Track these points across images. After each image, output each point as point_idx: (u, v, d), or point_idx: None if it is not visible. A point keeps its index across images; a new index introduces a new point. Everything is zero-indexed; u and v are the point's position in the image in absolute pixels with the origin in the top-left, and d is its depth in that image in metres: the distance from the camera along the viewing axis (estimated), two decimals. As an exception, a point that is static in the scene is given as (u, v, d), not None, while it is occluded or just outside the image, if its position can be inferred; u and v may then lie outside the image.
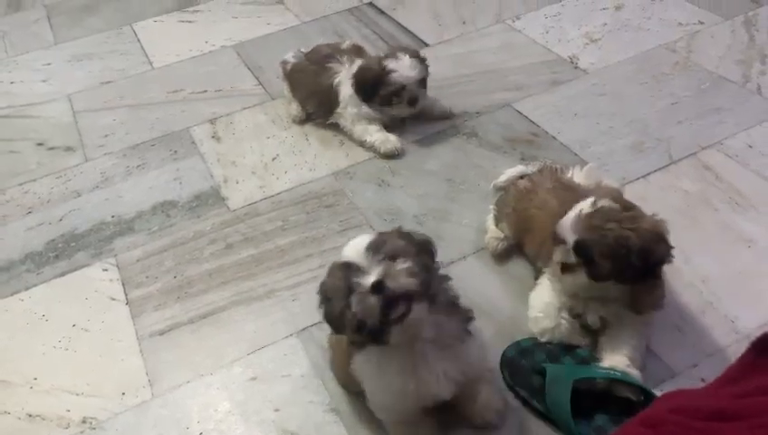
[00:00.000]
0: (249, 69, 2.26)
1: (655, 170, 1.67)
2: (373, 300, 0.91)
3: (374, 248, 0.94)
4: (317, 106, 1.93)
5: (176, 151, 1.94)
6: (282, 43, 2.37)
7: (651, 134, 1.79)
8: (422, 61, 1.81)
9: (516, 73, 2.08)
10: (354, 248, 0.96)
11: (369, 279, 0.91)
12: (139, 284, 1.54)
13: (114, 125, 2.07)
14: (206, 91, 2.18)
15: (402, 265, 0.93)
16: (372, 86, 1.79)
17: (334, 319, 0.98)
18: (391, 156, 1.82)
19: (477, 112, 1.94)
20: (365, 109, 1.84)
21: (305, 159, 1.86)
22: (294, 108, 1.98)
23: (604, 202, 1.14)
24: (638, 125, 1.82)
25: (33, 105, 2.21)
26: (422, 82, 1.81)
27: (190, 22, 2.61)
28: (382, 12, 2.51)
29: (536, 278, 1.35)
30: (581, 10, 2.36)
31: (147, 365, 1.37)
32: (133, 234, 1.68)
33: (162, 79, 2.27)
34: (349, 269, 0.94)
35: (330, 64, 1.88)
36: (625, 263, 1.10)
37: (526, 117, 1.90)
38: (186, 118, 2.07)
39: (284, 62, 2.01)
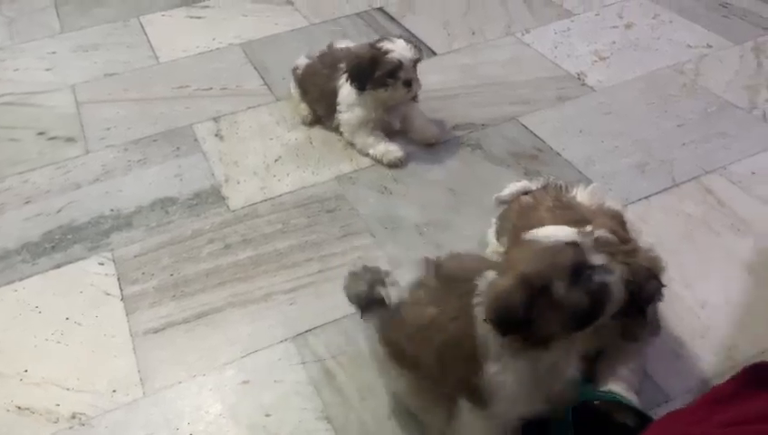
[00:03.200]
0: (256, 68, 2.26)
1: (658, 192, 1.67)
2: (615, 272, 0.91)
3: (598, 242, 0.93)
4: (326, 109, 1.91)
5: (178, 148, 1.93)
6: (289, 43, 2.37)
7: (655, 155, 1.79)
8: (415, 45, 1.78)
9: (523, 87, 2.08)
10: (569, 231, 0.93)
11: (615, 270, 0.91)
12: (134, 280, 1.53)
13: (117, 118, 2.06)
14: (211, 88, 2.17)
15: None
16: (367, 69, 1.75)
17: (533, 312, 0.90)
18: (395, 166, 1.81)
19: (483, 124, 1.93)
20: (360, 111, 1.81)
21: (308, 162, 1.85)
22: (303, 109, 1.97)
23: (600, 233, 1.11)
24: (642, 145, 1.82)
25: (36, 94, 2.20)
26: (416, 66, 1.78)
27: (199, 18, 2.60)
28: (392, 18, 2.50)
29: None
30: (591, 27, 2.36)
31: (139, 363, 1.35)
32: (131, 229, 1.67)
33: (168, 74, 2.26)
34: (578, 250, 0.90)
35: (341, 65, 1.85)
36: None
37: (532, 132, 1.89)
38: (190, 114, 2.06)
39: (296, 68, 1.99)
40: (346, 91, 1.83)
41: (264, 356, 1.35)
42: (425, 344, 1.04)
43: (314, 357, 1.34)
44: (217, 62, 2.31)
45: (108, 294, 1.50)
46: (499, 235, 1.48)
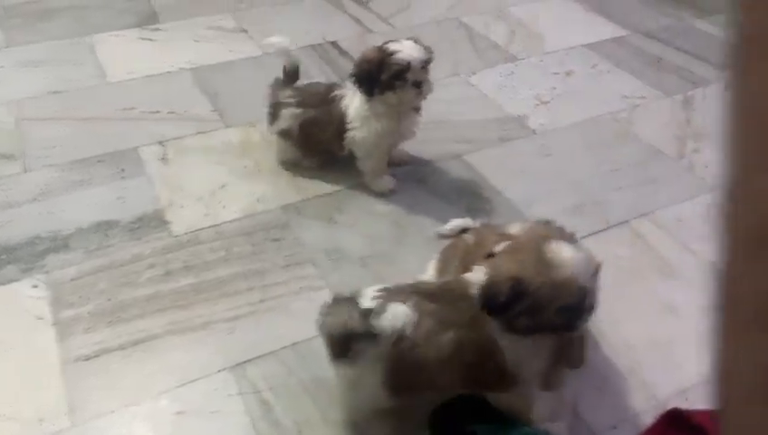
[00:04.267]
0: (206, 94, 2.26)
1: (592, 234, 1.75)
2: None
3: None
4: (335, 137, 1.81)
5: (122, 170, 1.90)
6: (242, 71, 2.38)
7: (591, 198, 1.87)
8: (425, 46, 1.72)
9: (468, 127, 2.15)
10: (582, 268, 1.07)
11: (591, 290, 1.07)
12: (69, 304, 1.49)
13: (60, 137, 2.02)
14: (159, 111, 2.16)
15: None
16: (374, 72, 1.66)
17: (516, 307, 1.04)
18: (383, 194, 1.85)
19: (429, 161, 1.99)
20: (375, 124, 1.73)
21: (254, 190, 1.86)
22: (289, 153, 1.91)
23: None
24: (579, 188, 1.91)
25: (-25, 107, 2.14)
26: (426, 67, 1.71)
27: (150, 40, 2.59)
28: (344, 52, 2.55)
29: None
30: (534, 72, 2.47)
31: (69, 391, 1.32)
32: (69, 251, 1.63)
33: (115, 94, 2.24)
34: (582, 292, 1.05)
35: (335, 93, 1.80)
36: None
37: (475, 170, 1.96)
38: (136, 137, 2.03)
39: (288, 131, 1.84)
40: (356, 105, 1.76)
41: (201, 386, 1.34)
42: (451, 366, 1.10)
43: (252, 388, 1.33)
44: (167, 86, 2.30)
45: (40, 319, 1.46)
46: (440, 271, 1.51)
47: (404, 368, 1.09)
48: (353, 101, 1.77)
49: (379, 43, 1.72)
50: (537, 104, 2.28)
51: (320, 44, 2.59)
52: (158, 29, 2.65)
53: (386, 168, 1.87)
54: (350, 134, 1.78)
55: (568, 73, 2.46)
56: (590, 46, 2.63)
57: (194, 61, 2.44)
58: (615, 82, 2.42)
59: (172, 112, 2.16)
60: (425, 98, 1.75)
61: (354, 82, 1.72)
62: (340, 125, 1.79)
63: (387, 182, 1.86)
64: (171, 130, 2.07)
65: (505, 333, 1.08)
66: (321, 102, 1.81)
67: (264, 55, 2.51)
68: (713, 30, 2.78)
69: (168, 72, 2.38)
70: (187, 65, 2.41)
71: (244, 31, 2.67)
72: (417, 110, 1.79)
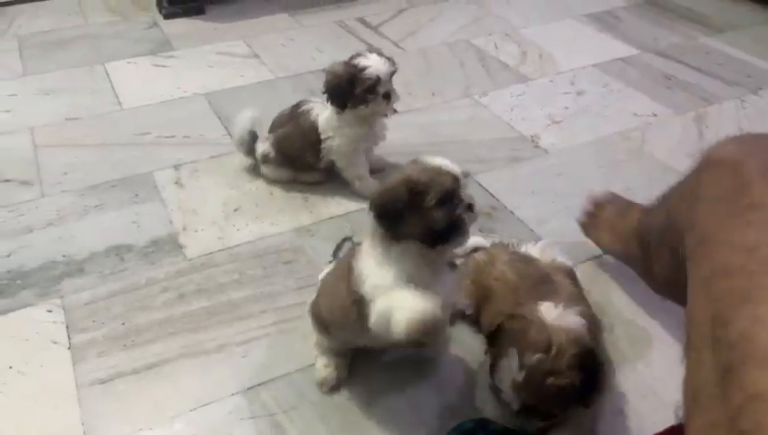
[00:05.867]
0: (219, 119, 2.28)
1: (606, 253, 1.73)
2: (473, 215, 1.17)
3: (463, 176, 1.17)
4: (311, 149, 1.88)
5: (137, 195, 1.92)
6: (255, 96, 2.41)
7: (604, 217, 1.86)
8: (389, 57, 1.79)
9: (479, 147, 2.15)
10: (455, 168, 1.16)
11: (470, 199, 1.16)
12: (84, 328, 1.50)
13: (76, 163, 2.05)
14: (173, 136, 2.19)
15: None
16: (346, 88, 1.73)
17: (406, 209, 1.11)
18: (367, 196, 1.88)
19: (440, 181, 1.98)
20: (349, 131, 1.80)
21: (268, 212, 1.87)
22: (276, 174, 1.97)
23: (530, 360, 1.10)
24: (592, 207, 1.89)
25: (-7, 135, 2.17)
26: (391, 77, 1.78)
27: (164, 66, 2.63)
28: (355, 75, 2.57)
29: (486, 352, 1.37)
30: (545, 92, 2.47)
31: (83, 415, 1.31)
32: (83, 276, 1.64)
33: (130, 120, 2.27)
34: (455, 182, 1.13)
35: (303, 108, 1.88)
36: (569, 400, 1.12)
37: (486, 190, 1.96)
38: (150, 161, 2.06)
39: (266, 156, 1.92)
40: (327, 116, 1.82)
41: (214, 410, 1.33)
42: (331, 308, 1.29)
43: (265, 411, 1.32)
44: (181, 111, 2.33)
45: (55, 343, 1.46)
46: (454, 290, 1.51)
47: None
48: (323, 113, 1.84)
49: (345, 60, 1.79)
50: (549, 124, 2.28)
51: (331, 68, 2.62)
52: (171, 56, 2.70)
53: (368, 172, 1.92)
54: (326, 144, 1.85)
55: (579, 93, 2.47)
56: (601, 66, 2.64)
57: (207, 86, 2.48)
58: (626, 101, 2.42)
59: (187, 137, 2.18)
60: (394, 108, 1.82)
61: (327, 99, 1.78)
62: (312, 135, 1.86)
63: (373, 185, 1.89)
64: (186, 155, 2.09)
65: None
66: (290, 120, 1.90)
67: (277, 79, 2.54)
68: (724, 47, 2.78)
69: (182, 97, 2.41)
70: (200, 91, 2.45)
71: (257, 56, 2.70)
72: (385, 115, 1.86)
